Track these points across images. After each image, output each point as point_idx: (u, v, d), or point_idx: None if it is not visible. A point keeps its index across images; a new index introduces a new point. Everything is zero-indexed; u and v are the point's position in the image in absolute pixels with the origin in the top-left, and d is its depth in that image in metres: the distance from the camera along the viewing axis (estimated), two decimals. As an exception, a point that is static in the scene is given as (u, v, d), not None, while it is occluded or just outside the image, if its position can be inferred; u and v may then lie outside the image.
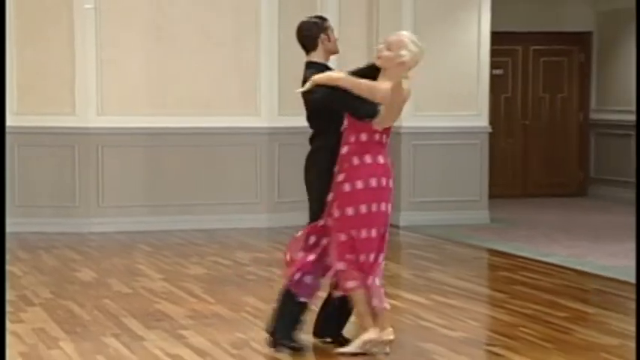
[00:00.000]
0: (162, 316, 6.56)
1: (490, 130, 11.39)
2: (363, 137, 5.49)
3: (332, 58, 5.85)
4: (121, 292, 7.37)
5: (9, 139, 9.48)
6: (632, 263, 8.54)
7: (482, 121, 11.20)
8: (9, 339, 5.62)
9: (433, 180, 10.99)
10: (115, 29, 10.42)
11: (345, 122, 5.56)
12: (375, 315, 5.55)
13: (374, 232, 5.50)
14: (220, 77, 10.69)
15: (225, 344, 5.80)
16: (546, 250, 9.27)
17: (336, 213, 5.52)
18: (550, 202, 13.15)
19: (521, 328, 6.20)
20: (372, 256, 5.51)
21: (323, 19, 5.87)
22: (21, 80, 10.36)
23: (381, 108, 5.41)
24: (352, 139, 5.51)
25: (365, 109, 5.46)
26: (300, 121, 10.77)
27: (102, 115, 10.45)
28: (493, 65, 11.73)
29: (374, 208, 5.49)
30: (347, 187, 5.50)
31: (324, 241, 5.59)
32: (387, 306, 5.60)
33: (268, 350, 5.67)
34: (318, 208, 5.65)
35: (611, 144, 13.76)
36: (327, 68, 5.70)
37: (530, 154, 13.94)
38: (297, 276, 5.58)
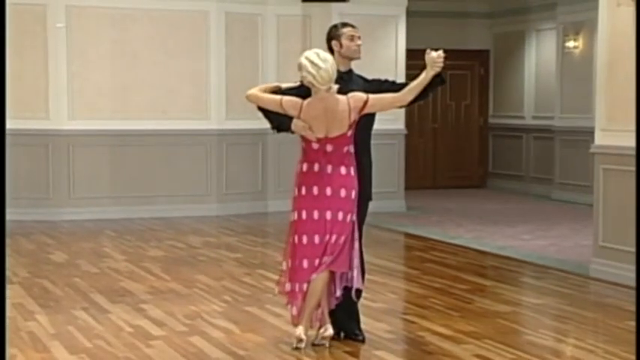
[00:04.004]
0: (125, 292, 6.50)
1: (406, 132, 11.48)
2: (303, 145, 4.92)
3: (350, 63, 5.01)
4: (89, 271, 7.29)
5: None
6: (522, 243, 8.70)
7: (399, 124, 11.27)
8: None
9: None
10: (83, 45, 10.33)
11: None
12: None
13: (304, 239, 4.83)
14: (175, 86, 10.63)
15: (180, 315, 5.76)
16: (453, 234, 9.35)
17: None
18: (456, 192, 13.29)
19: (430, 299, 6.24)
20: (297, 262, 4.86)
21: (342, 25, 4.99)
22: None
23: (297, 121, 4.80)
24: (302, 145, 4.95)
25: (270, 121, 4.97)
26: (245, 124, 10.84)
27: (72, 119, 10.34)
28: (408, 77, 11.76)
29: (303, 215, 4.85)
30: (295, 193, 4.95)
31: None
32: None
33: (216, 320, 5.65)
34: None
35: (505, 144, 13.98)
36: (340, 74, 4.85)
37: (439, 153, 14.08)
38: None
